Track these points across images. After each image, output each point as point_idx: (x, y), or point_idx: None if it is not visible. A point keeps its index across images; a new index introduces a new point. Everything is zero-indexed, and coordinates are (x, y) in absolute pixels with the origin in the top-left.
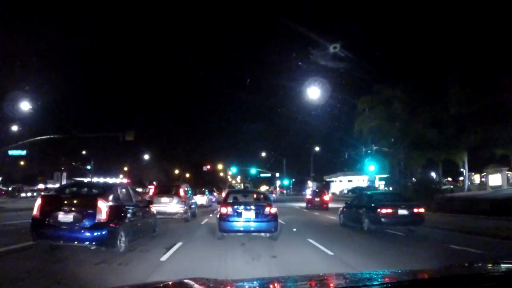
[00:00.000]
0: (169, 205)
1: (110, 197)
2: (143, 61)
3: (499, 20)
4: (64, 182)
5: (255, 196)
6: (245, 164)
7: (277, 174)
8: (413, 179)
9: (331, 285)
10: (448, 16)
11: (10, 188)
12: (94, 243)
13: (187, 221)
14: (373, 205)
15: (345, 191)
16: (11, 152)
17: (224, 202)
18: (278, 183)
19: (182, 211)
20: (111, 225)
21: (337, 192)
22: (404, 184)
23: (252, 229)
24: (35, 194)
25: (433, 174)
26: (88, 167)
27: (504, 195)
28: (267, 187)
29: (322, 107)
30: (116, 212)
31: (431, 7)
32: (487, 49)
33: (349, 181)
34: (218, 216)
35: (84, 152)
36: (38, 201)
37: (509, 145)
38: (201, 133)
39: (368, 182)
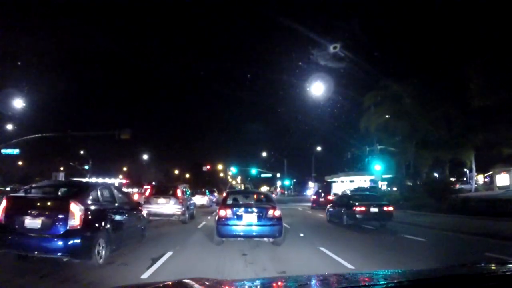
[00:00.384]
0: (166, 206)
1: (86, 199)
2: (143, 61)
3: None
4: None
5: (256, 197)
6: (246, 164)
7: (278, 175)
8: (417, 179)
9: (331, 285)
10: None
11: (8, 188)
12: (65, 254)
13: (184, 223)
14: (350, 203)
15: (347, 192)
16: (3, 151)
17: (223, 204)
18: (279, 183)
19: (179, 213)
20: (86, 232)
21: (339, 193)
22: (413, 184)
23: (254, 233)
24: None
25: (436, 175)
26: (86, 167)
27: None
28: (268, 188)
29: (324, 106)
30: (93, 217)
31: None
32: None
33: (350, 181)
34: (216, 219)
35: (82, 152)
36: (3, 203)
37: None
38: (201, 133)
39: (370, 183)
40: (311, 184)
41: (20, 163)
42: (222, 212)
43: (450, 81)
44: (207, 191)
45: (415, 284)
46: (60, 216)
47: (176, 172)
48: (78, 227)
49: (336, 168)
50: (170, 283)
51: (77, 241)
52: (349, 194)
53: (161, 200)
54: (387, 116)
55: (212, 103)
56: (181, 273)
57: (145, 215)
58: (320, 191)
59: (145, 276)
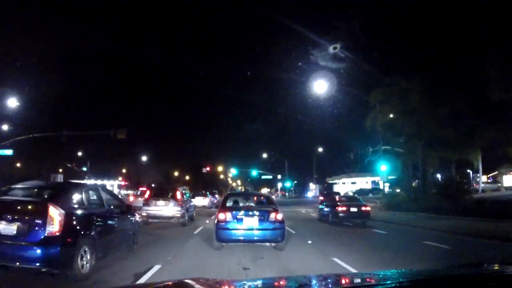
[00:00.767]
0: (165, 209)
1: (68, 202)
2: (142, 61)
3: None
4: None
5: (257, 199)
6: (246, 165)
7: (279, 176)
8: (425, 180)
9: (331, 285)
10: None
11: None
12: (43, 264)
13: (184, 225)
14: (334, 204)
15: (350, 193)
16: None
17: (222, 207)
18: (279, 185)
19: (179, 215)
20: (67, 239)
21: (342, 194)
22: (421, 185)
23: (255, 238)
24: None
25: (439, 176)
26: (84, 168)
27: None
28: (268, 189)
29: (324, 107)
30: (76, 222)
31: None
32: None
33: (352, 183)
34: (215, 222)
35: (80, 154)
36: None
37: None
38: (200, 134)
39: (372, 184)
40: (312, 185)
41: (18, 164)
42: (221, 216)
43: (461, 75)
44: (207, 193)
45: (415, 285)
46: (38, 222)
47: (176, 173)
48: (58, 233)
49: (337, 170)
50: (170, 283)
51: (56, 249)
52: (334, 197)
53: (161, 203)
54: (394, 113)
55: (212, 103)
56: None
57: (138, 219)
58: (325, 192)
59: None
